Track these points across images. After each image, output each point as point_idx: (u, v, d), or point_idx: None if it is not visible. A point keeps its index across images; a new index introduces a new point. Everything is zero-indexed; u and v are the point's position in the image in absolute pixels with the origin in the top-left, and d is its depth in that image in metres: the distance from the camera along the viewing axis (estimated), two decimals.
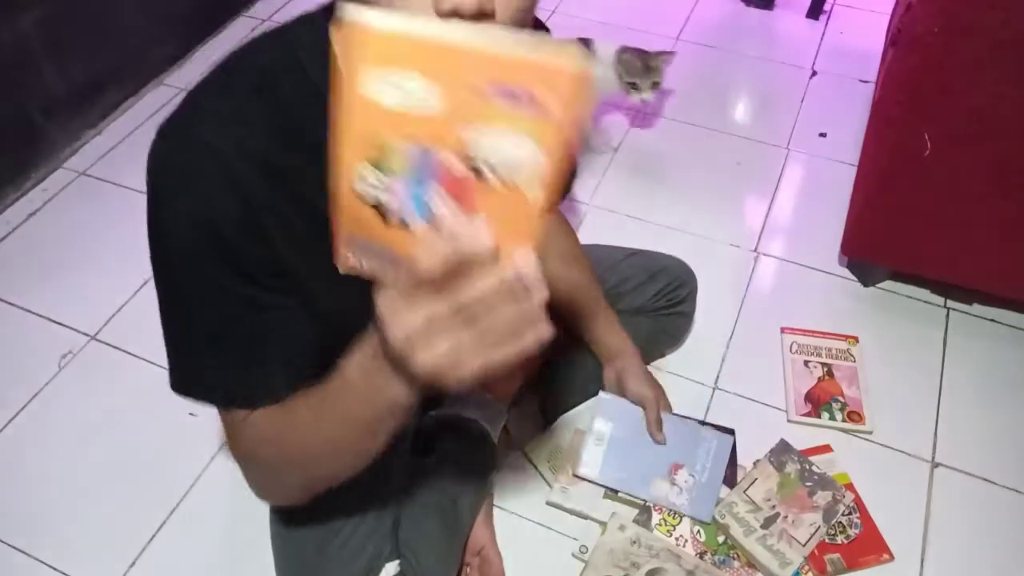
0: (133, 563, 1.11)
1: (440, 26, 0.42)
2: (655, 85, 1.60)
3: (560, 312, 1.17)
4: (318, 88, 0.64)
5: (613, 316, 1.16)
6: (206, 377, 0.73)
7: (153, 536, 1.13)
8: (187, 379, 0.74)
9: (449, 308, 0.45)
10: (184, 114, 0.66)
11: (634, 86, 1.59)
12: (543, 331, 0.47)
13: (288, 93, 0.66)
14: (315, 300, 0.72)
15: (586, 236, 1.56)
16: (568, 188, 1.03)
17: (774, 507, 1.11)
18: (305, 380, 0.69)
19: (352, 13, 0.40)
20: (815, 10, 2.07)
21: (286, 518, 0.99)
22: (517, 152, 0.42)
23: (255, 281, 0.67)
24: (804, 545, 1.07)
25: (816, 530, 1.09)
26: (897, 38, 1.28)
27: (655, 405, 1.14)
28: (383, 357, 0.51)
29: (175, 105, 0.68)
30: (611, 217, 1.58)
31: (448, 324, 0.45)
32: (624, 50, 1.59)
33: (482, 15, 0.50)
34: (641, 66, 1.58)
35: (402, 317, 0.46)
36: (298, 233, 0.67)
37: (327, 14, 0.66)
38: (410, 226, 0.44)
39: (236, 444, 0.77)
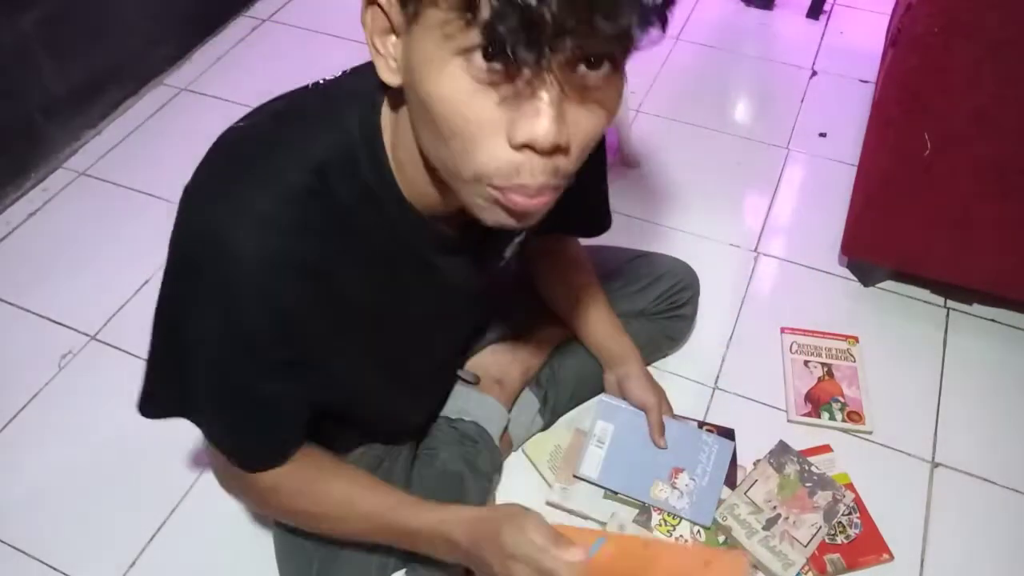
0: (133, 563, 1.11)
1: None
2: None
3: (562, 316, 1.17)
4: (370, 189, 0.66)
5: (616, 321, 1.16)
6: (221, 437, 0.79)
7: (153, 536, 1.13)
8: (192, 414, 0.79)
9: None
10: (223, 195, 0.62)
11: None
12: None
13: (343, 197, 0.64)
14: (332, 378, 0.76)
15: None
16: (595, 235, 1.07)
17: (775, 508, 1.11)
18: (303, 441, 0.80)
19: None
20: (815, 10, 2.07)
21: (291, 528, 0.99)
22: None
23: (272, 373, 0.71)
24: (806, 546, 1.07)
25: (817, 530, 1.09)
26: (897, 38, 1.28)
27: (657, 410, 1.14)
28: (468, 550, 0.76)
29: (205, 147, 0.66)
30: (612, 217, 1.58)
31: None
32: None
33: (557, 150, 0.52)
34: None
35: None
36: (328, 325, 0.70)
37: (373, 94, 0.64)
38: None
39: (246, 492, 0.87)
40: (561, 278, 1.13)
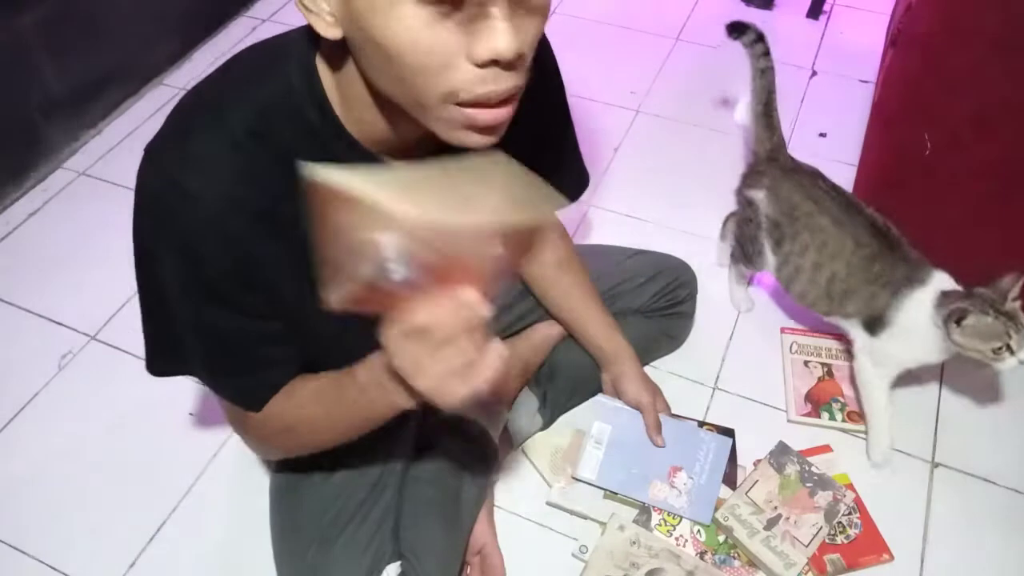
0: (133, 563, 1.11)
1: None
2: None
3: (556, 317, 1.17)
4: (314, 128, 0.67)
5: (610, 321, 1.15)
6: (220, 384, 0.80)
7: (153, 536, 1.13)
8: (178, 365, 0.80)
9: (430, 345, 0.58)
10: (177, 144, 0.66)
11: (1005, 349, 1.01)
12: (498, 351, 0.60)
13: (286, 138, 0.66)
14: (302, 322, 0.75)
15: (586, 236, 1.57)
16: (575, 196, 1.03)
17: (776, 508, 1.11)
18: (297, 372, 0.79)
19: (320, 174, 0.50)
20: (815, 10, 2.07)
21: (288, 520, 0.99)
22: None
23: (243, 313, 0.72)
24: (807, 546, 1.07)
25: (818, 530, 1.09)
26: (897, 38, 1.28)
27: (652, 409, 1.15)
28: (390, 373, 0.64)
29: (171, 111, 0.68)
30: (611, 217, 1.58)
31: (431, 357, 0.59)
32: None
33: (519, 58, 0.56)
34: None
35: (402, 350, 0.60)
36: (289, 271, 0.71)
37: (312, 44, 0.66)
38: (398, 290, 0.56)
39: (247, 431, 0.86)
40: (554, 279, 1.12)
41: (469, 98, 0.57)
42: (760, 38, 1.29)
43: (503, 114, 0.59)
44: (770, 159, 1.24)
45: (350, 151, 0.69)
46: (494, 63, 0.55)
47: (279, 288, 0.72)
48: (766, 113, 1.28)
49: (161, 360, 0.80)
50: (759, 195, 1.21)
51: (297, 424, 0.80)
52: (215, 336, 0.74)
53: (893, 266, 1.10)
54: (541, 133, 0.86)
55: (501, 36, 0.53)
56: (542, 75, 0.81)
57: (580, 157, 1.01)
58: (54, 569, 1.10)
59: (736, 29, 1.31)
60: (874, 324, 1.12)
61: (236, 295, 0.70)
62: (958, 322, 1.02)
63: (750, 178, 1.26)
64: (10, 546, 1.13)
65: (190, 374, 0.81)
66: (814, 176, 1.20)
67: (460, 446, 1.07)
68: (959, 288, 1.08)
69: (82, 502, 1.17)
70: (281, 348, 0.78)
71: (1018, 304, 1.00)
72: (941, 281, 1.08)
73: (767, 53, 1.29)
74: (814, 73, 1.92)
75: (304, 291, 0.72)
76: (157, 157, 0.67)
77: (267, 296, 0.72)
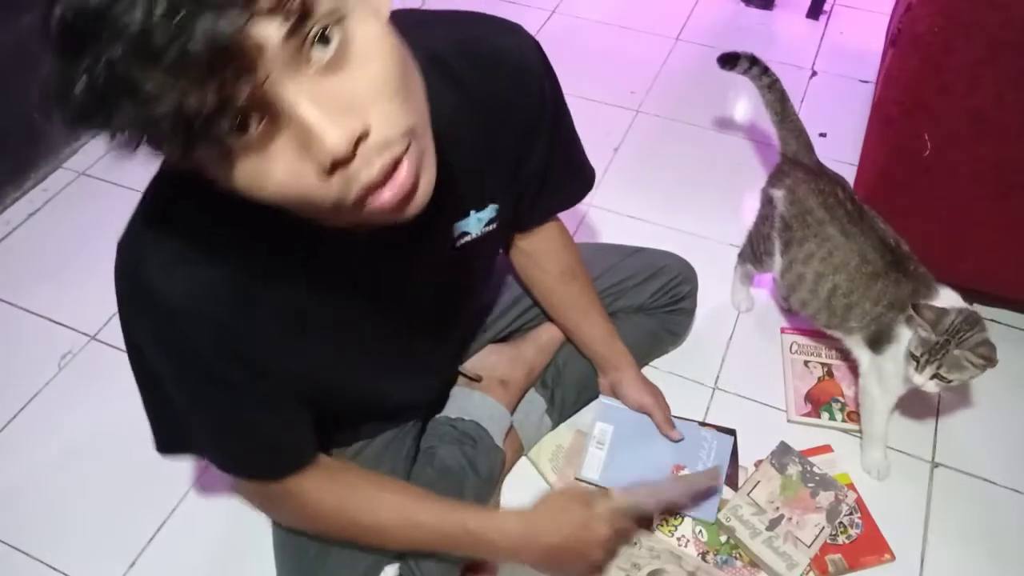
0: (133, 563, 1.11)
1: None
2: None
3: (556, 322, 1.17)
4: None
5: (611, 328, 1.15)
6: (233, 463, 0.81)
7: (153, 536, 1.13)
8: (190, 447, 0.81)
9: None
10: (142, 240, 0.63)
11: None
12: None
13: (246, 236, 0.61)
14: (304, 378, 0.75)
15: (586, 236, 1.57)
16: (583, 194, 1.02)
17: (778, 509, 1.11)
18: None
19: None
20: (815, 10, 2.07)
21: None
22: None
23: (240, 392, 0.71)
24: (809, 546, 1.07)
25: (820, 531, 1.09)
26: (897, 38, 1.28)
27: (658, 408, 1.15)
28: (523, 555, 0.86)
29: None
30: (611, 217, 1.58)
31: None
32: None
33: (364, 134, 0.48)
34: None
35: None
36: (276, 335, 0.69)
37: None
38: None
39: (273, 504, 0.88)
40: (557, 288, 1.11)
41: (357, 197, 0.50)
42: (754, 62, 1.29)
43: (404, 180, 0.51)
44: (794, 161, 1.24)
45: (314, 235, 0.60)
46: (342, 163, 0.47)
47: (280, 359, 0.71)
48: (784, 120, 1.27)
49: (168, 442, 0.80)
50: (779, 194, 1.21)
51: (356, 519, 0.84)
52: (216, 417, 0.73)
53: (897, 285, 1.09)
54: (539, 141, 0.85)
55: (320, 138, 0.46)
56: (525, 87, 0.79)
57: (582, 152, 0.99)
58: (54, 569, 1.10)
59: (728, 61, 1.32)
60: (878, 341, 1.12)
61: (228, 375, 0.69)
62: (914, 311, 1.03)
63: (774, 177, 1.26)
64: (10, 546, 1.13)
65: (199, 455, 0.81)
66: (835, 183, 1.18)
67: (461, 448, 1.07)
68: (963, 305, 1.07)
69: (82, 502, 1.17)
70: (288, 418, 0.78)
71: (960, 350, 1.02)
72: (948, 298, 1.08)
73: (766, 70, 1.29)
74: (814, 73, 1.92)
75: (315, 358, 0.74)
76: (124, 254, 0.64)
77: (261, 369, 0.70)
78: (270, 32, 0.43)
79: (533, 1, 2.11)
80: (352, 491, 0.84)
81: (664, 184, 1.65)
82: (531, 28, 2.04)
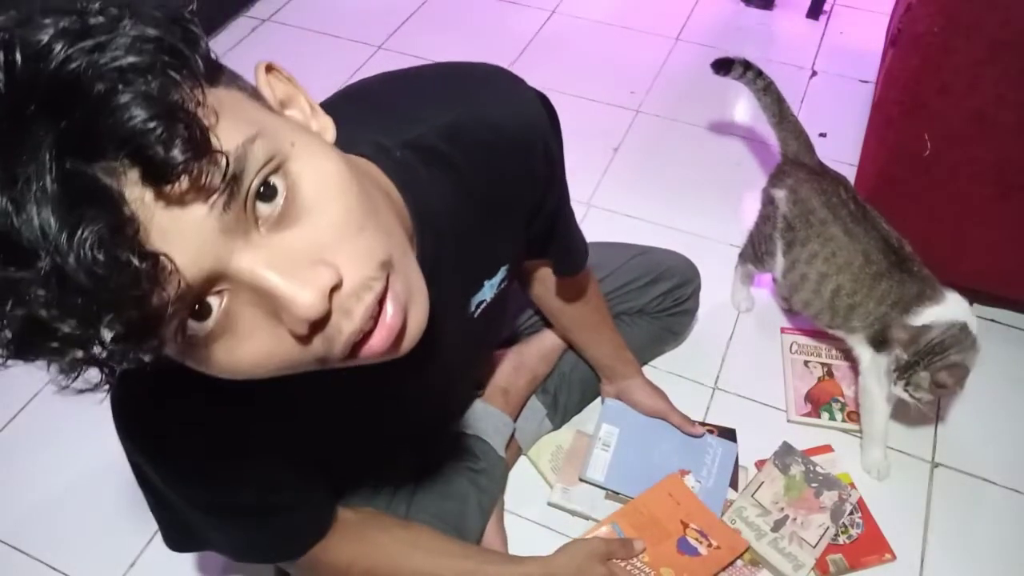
0: (133, 563, 1.11)
1: None
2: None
3: (565, 339, 1.16)
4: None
5: (620, 340, 1.14)
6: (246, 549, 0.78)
7: (153, 536, 1.13)
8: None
9: None
10: (149, 419, 0.61)
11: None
12: None
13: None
14: (324, 463, 0.75)
15: (586, 236, 1.56)
16: (579, 268, 1.00)
17: (783, 510, 1.11)
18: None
19: None
20: (815, 10, 2.07)
21: None
22: None
23: (249, 492, 0.70)
24: (814, 546, 1.07)
25: (825, 531, 1.09)
26: (897, 38, 1.28)
27: (673, 411, 1.16)
28: None
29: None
30: (611, 217, 1.58)
31: None
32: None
33: (338, 284, 0.42)
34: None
35: None
36: (287, 429, 0.68)
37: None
38: None
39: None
40: (564, 307, 1.06)
41: (342, 352, 0.45)
42: (747, 66, 1.29)
43: (391, 322, 0.45)
44: (796, 161, 1.24)
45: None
46: (318, 322, 0.42)
47: (294, 455, 0.70)
48: (782, 122, 1.27)
49: (179, 542, 0.78)
50: (780, 194, 1.21)
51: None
52: (229, 524, 0.72)
53: (902, 285, 1.09)
54: (549, 195, 0.79)
55: (290, 304, 0.40)
56: (527, 163, 0.71)
57: (576, 227, 0.94)
58: (54, 569, 1.10)
59: (722, 67, 1.32)
60: (881, 340, 1.12)
61: (227, 473, 0.67)
62: (892, 330, 1.06)
63: (776, 177, 1.26)
64: (10, 546, 1.13)
65: (212, 549, 0.79)
66: (837, 184, 1.18)
67: (464, 464, 1.06)
68: (961, 318, 1.07)
69: (82, 502, 1.17)
70: (301, 494, 0.75)
71: (926, 372, 1.03)
72: (953, 302, 1.08)
73: (760, 74, 1.29)
74: (814, 73, 1.92)
75: (315, 447, 0.72)
76: (129, 427, 0.62)
77: (264, 459, 0.68)
78: (196, 217, 0.38)
79: (533, 1, 2.11)
80: (378, 551, 0.83)
81: (664, 184, 1.65)
82: (531, 28, 2.05)
